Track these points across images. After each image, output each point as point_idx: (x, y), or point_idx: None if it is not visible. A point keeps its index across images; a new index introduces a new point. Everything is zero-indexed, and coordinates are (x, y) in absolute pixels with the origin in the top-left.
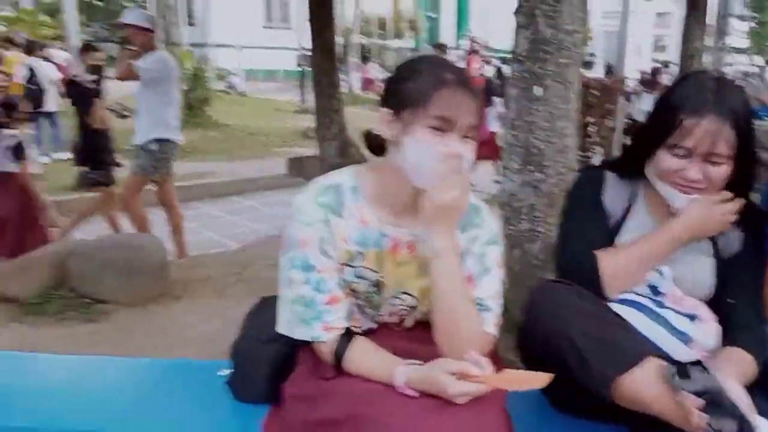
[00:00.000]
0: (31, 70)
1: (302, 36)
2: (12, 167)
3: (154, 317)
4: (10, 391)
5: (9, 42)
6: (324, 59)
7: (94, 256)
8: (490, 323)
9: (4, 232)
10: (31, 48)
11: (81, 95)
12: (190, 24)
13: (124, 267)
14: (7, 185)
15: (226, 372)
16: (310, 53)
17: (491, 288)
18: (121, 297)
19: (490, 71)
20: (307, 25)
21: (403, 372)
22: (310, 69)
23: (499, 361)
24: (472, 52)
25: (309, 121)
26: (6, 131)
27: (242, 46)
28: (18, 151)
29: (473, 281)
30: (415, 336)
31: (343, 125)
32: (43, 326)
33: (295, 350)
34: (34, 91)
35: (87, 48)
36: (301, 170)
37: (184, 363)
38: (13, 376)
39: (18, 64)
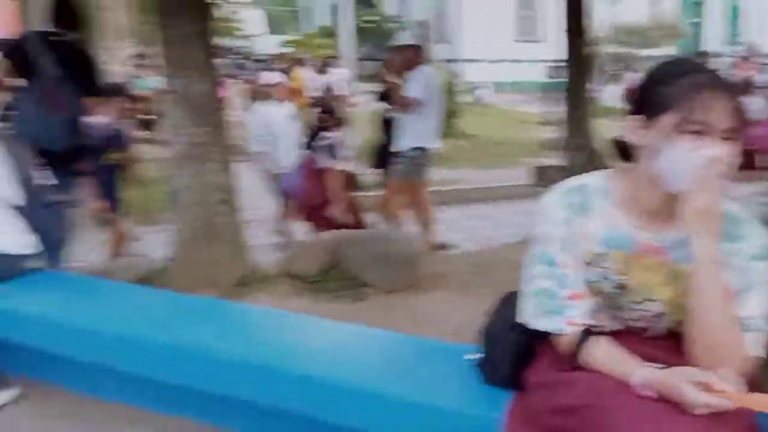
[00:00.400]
0: (321, 85)
1: (553, 48)
2: (327, 163)
3: (407, 304)
4: (292, 345)
5: (298, 62)
6: (577, 70)
7: (362, 244)
8: (754, 343)
9: (320, 213)
10: (323, 66)
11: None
12: (444, 41)
13: (384, 256)
14: (322, 177)
15: (474, 356)
16: (561, 65)
17: (758, 306)
18: (382, 282)
19: (763, 78)
20: (559, 37)
21: (643, 372)
22: (559, 80)
23: (757, 384)
24: (744, 58)
25: (553, 132)
26: (325, 133)
27: (492, 60)
28: (332, 151)
29: (734, 296)
30: (663, 345)
31: (590, 135)
32: (321, 301)
33: (535, 341)
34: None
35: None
36: (546, 179)
37: (436, 343)
38: (296, 335)
39: (305, 80)
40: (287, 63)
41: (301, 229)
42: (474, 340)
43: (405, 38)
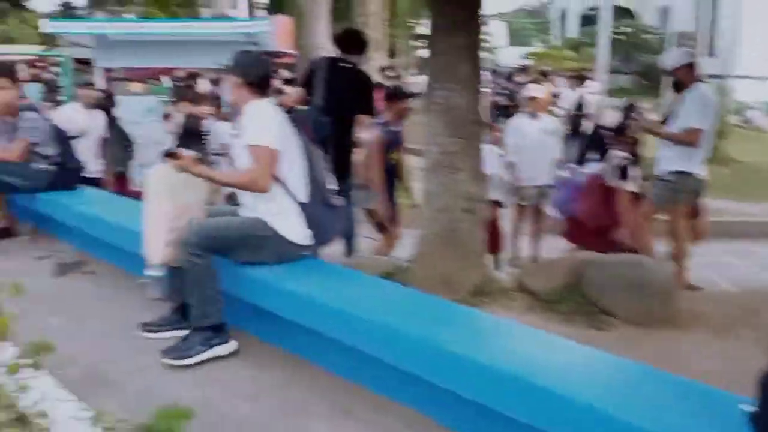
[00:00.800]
0: (578, 98)
1: None
2: (616, 183)
3: (654, 340)
4: (528, 358)
5: (543, 75)
6: None
7: (607, 269)
8: None
9: (599, 234)
10: (577, 80)
11: None
12: (711, 55)
13: (632, 285)
14: (607, 197)
15: (749, 407)
16: None
17: None
18: (626, 313)
19: None
20: None
21: None
22: None
23: None
24: None
25: None
26: (616, 152)
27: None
28: (624, 171)
29: None
30: None
31: None
32: (553, 321)
33: None
34: (578, 118)
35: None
36: None
37: (702, 387)
38: (531, 348)
39: (553, 93)
40: (532, 76)
41: (547, 245)
42: (739, 390)
43: (678, 55)
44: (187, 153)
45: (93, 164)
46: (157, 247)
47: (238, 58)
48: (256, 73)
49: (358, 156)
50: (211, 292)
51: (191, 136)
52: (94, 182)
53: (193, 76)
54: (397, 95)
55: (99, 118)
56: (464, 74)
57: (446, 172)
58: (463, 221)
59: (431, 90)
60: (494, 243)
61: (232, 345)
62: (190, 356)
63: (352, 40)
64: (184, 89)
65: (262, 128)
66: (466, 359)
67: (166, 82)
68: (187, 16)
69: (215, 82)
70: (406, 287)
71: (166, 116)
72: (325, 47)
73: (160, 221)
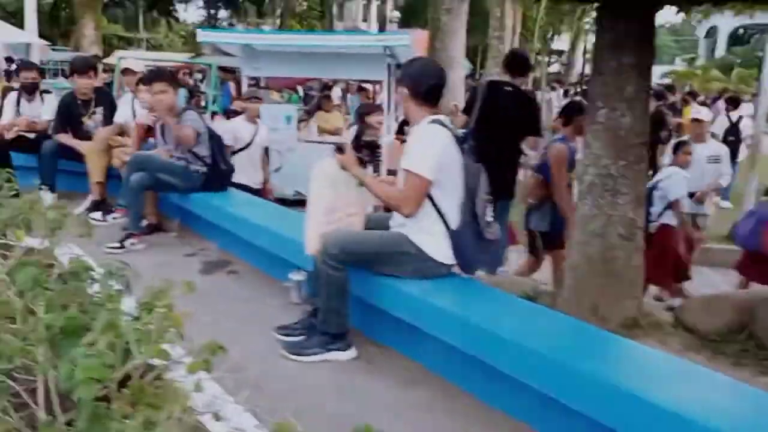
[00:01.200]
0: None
1: None
2: None
3: None
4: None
5: (690, 95)
6: None
7: None
8: None
9: None
10: (732, 103)
11: None
12: None
13: None
14: None
15: None
16: None
17: None
18: None
19: None
20: None
21: None
22: None
23: None
24: None
25: None
26: None
27: None
28: None
29: None
30: None
31: None
32: (717, 363)
33: None
34: (734, 144)
35: None
36: None
37: None
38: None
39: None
40: (677, 97)
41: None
42: None
43: None
44: (351, 152)
45: (255, 175)
46: (314, 238)
47: (405, 68)
48: (423, 82)
49: (523, 176)
50: (337, 305)
51: (365, 147)
52: (257, 193)
53: (326, 86)
54: (577, 110)
55: (263, 129)
56: (630, 93)
57: (605, 195)
58: (619, 248)
59: (593, 109)
60: (669, 271)
61: (350, 353)
62: (307, 355)
63: (517, 63)
64: (321, 99)
65: (423, 155)
66: (638, 398)
67: (300, 91)
68: (322, 29)
69: (346, 93)
70: (557, 313)
71: (300, 124)
72: (460, 61)
73: (318, 212)
